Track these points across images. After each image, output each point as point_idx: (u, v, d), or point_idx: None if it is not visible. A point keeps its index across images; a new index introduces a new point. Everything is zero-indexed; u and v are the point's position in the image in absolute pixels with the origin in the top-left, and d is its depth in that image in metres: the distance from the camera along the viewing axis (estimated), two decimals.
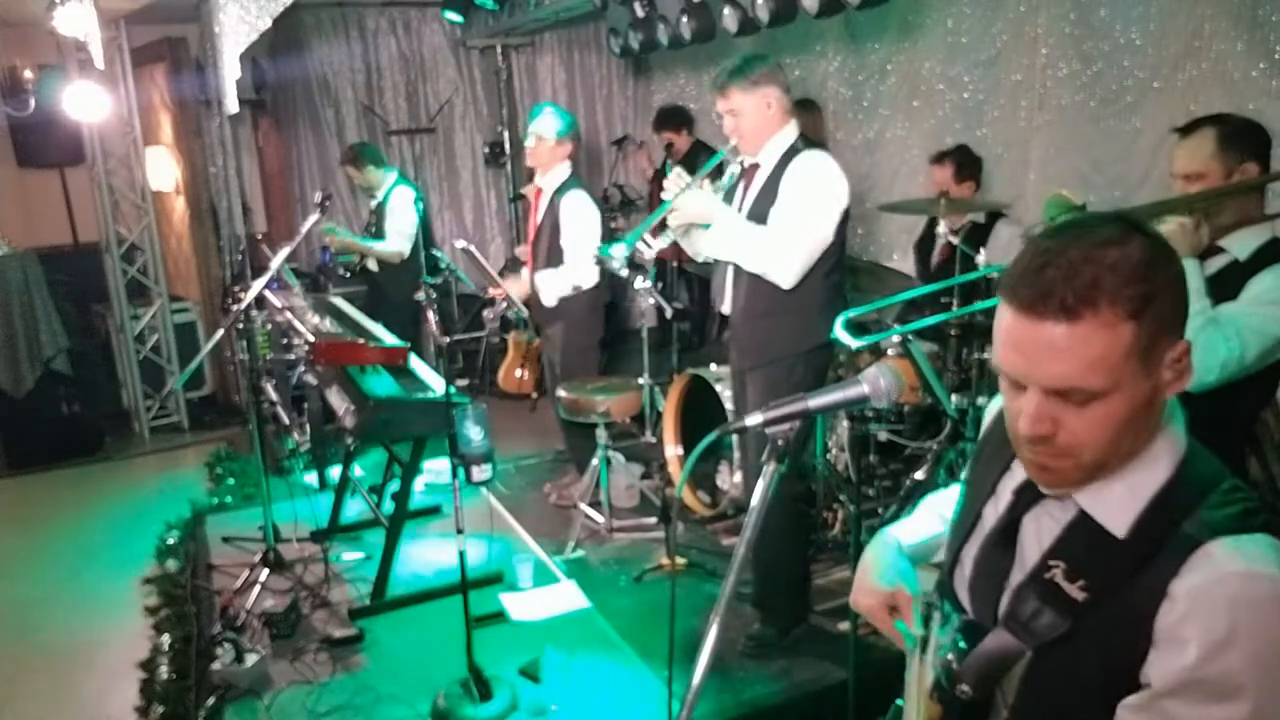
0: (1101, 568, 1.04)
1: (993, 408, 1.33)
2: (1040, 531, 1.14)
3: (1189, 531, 1.00)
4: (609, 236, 6.84)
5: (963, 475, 1.38)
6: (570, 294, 4.16)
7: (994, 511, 1.23)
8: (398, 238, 5.25)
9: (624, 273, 3.19)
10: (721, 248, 2.98)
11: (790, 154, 2.93)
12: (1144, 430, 1.05)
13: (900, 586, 1.28)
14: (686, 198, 2.95)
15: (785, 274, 2.88)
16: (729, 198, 3.06)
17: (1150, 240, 1.01)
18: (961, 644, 1.17)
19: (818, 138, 4.65)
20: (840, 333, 2.90)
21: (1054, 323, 0.98)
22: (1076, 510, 1.09)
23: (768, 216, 2.91)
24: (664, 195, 3.01)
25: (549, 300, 4.20)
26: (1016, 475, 1.19)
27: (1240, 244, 2.10)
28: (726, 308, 3.18)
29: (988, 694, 1.15)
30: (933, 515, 1.47)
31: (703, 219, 2.97)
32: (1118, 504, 1.05)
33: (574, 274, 4.12)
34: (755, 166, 3.02)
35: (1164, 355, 1.01)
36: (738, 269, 3.05)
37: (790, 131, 2.96)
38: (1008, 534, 1.18)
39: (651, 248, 3.06)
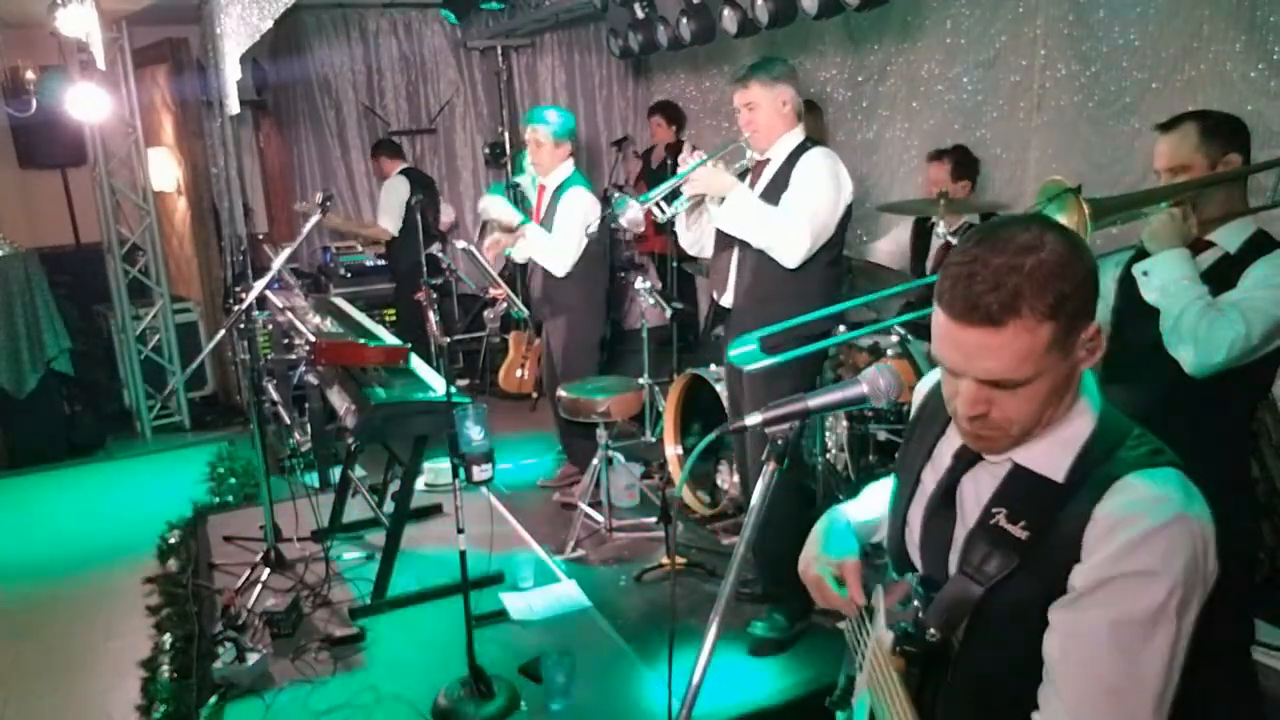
0: (1038, 508, 1.20)
1: (921, 388, 1.49)
2: (979, 487, 1.29)
3: (1109, 469, 1.17)
4: (611, 235, 6.93)
5: (897, 455, 1.51)
6: (540, 261, 4.27)
7: (933, 475, 1.38)
8: (382, 216, 6.04)
9: (624, 223, 3.24)
10: (733, 220, 3.05)
11: (799, 151, 3.08)
12: (1064, 399, 1.21)
13: (846, 558, 1.45)
14: (705, 170, 3.04)
15: (791, 251, 2.97)
16: None
17: (1063, 239, 1.15)
18: (922, 591, 1.30)
19: (819, 138, 4.66)
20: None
21: (982, 329, 1.13)
22: (1010, 465, 1.25)
23: (777, 204, 3.02)
24: (681, 168, 3.09)
25: (519, 255, 4.35)
26: (953, 440, 1.34)
27: (1229, 237, 2.13)
28: (727, 299, 3.21)
29: (949, 636, 1.26)
30: (877, 498, 1.62)
31: (718, 191, 3.06)
32: (1052, 455, 1.21)
33: (550, 248, 4.22)
34: (765, 162, 3.14)
35: (1079, 338, 1.17)
36: (741, 258, 3.12)
37: (799, 132, 3.13)
38: (949, 494, 1.33)
39: (665, 213, 3.17)
